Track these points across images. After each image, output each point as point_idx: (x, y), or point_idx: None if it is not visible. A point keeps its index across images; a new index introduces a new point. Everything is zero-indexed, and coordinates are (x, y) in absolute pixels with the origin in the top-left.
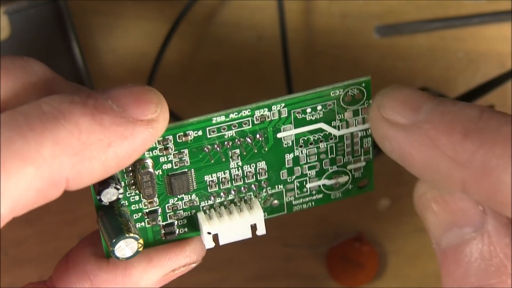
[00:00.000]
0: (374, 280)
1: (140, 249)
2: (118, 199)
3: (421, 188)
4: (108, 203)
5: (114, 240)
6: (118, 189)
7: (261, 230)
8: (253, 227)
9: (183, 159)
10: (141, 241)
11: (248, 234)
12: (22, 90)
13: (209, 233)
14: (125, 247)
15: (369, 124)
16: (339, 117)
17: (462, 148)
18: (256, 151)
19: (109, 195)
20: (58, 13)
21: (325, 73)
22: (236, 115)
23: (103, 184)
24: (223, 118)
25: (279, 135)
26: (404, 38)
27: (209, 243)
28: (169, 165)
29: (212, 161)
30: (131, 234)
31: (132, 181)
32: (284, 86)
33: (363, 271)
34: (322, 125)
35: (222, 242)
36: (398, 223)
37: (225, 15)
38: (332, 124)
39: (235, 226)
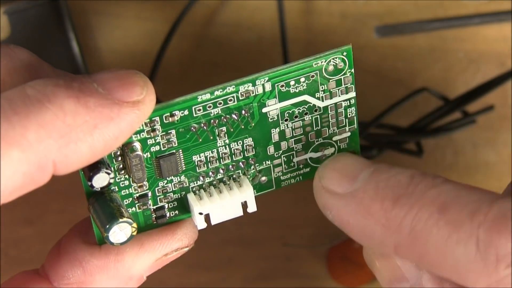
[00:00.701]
0: (374, 280)
1: (134, 233)
2: (109, 184)
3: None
4: (99, 189)
5: (107, 226)
6: (109, 173)
7: (252, 207)
8: (244, 205)
9: (170, 140)
10: (134, 225)
11: (240, 212)
12: (8, 77)
13: (200, 213)
14: (119, 232)
15: (314, 192)
16: (322, 88)
17: (392, 215)
18: (243, 127)
19: (100, 180)
20: (58, 13)
21: None
22: (221, 92)
23: (94, 170)
24: (208, 96)
25: (264, 110)
26: (404, 38)
27: (201, 224)
28: (157, 147)
29: (200, 140)
30: (125, 219)
31: (121, 166)
32: None
33: (363, 271)
34: (306, 97)
35: (214, 221)
36: None
37: (225, 15)
38: (316, 96)
39: (226, 204)
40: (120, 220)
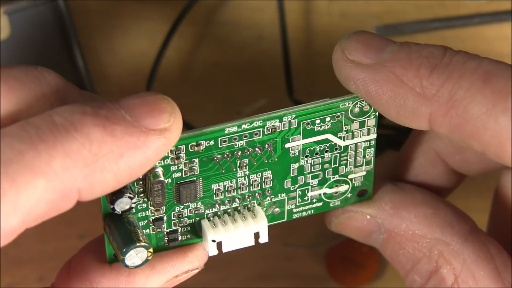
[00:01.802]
0: (374, 280)
1: (150, 258)
2: (131, 208)
3: (330, 217)
4: (120, 212)
5: (124, 250)
6: (131, 198)
7: (264, 238)
8: (256, 235)
9: (193, 168)
10: (151, 249)
11: (251, 242)
12: (35, 101)
13: (213, 240)
14: (135, 256)
15: (333, 65)
16: (345, 128)
17: (429, 82)
18: (266, 161)
19: (122, 204)
20: (58, 13)
21: (325, 73)
22: (248, 125)
23: (117, 194)
24: (235, 128)
25: (287, 145)
26: (404, 38)
27: (213, 251)
28: (179, 174)
29: (223, 171)
30: (142, 243)
31: (141, 189)
32: (284, 86)
33: (363, 271)
34: (329, 136)
35: (225, 249)
36: None
37: (225, 15)
38: (339, 135)
39: (239, 234)
40: (138, 244)
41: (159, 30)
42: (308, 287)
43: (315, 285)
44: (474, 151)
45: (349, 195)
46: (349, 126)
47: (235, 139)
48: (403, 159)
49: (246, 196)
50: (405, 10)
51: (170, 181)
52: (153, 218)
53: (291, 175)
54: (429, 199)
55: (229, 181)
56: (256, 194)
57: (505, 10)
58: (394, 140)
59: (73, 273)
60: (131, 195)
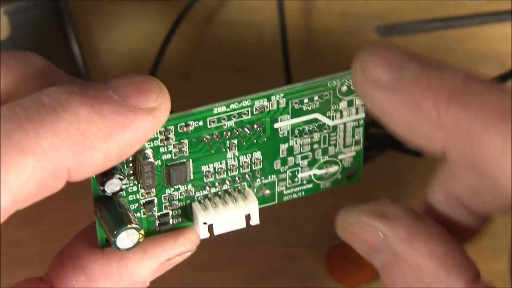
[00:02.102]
0: (374, 280)
1: (141, 240)
2: (121, 190)
3: (339, 224)
4: (110, 194)
5: (115, 232)
6: (122, 179)
7: (255, 220)
8: (247, 217)
9: (182, 149)
10: (142, 231)
11: (242, 224)
12: (23, 84)
13: (204, 223)
14: (127, 238)
15: (351, 75)
16: (334, 107)
17: (446, 111)
18: (255, 141)
19: (112, 185)
20: (58, 13)
21: (325, 73)
22: (236, 105)
23: (107, 175)
24: (224, 108)
25: (276, 125)
26: (404, 38)
27: (204, 233)
28: (169, 156)
29: (212, 152)
30: (133, 225)
31: (132, 172)
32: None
33: (363, 271)
34: (317, 115)
35: (216, 232)
36: None
37: (225, 15)
38: (327, 115)
39: (230, 216)
40: (129, 226)
41: (159, 30)
42: (308, 287)
43: (315, 285)
44: (485, 181)
45: (339, 176)
46: (337, 105)
47: (223, 119)
48: (428, 208)
49: (236, 178)
50: (405, 10)
51: (160, 163)
52: (144, 201)
53: (281, 156)
54: (445, 238)
55: (219, 163)
56: (246, 175)
57: (505, 10)
58: (394, 140)
59: (66, 260)
60: (121, 176)
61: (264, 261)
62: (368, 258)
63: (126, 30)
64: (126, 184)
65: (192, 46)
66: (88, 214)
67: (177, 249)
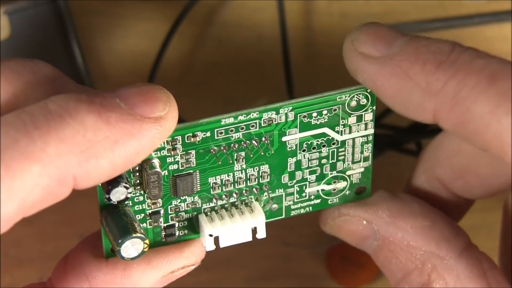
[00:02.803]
0: (374, 280)
1: (146, 250)
2: (126, 198)
3: (322, 220)
4: (116, 202)
5: (120, 240)
6: (127, 188)
7: (261, 234)
8: (253, 230)
9: (189, 160)
10: (147, 241)
11: (249, 237)
12: (32, 91)
13: (210, 235)
14: (131, 247)
15: (343, 56)
16: (343, 122)
17: (434, 78)
18: (262, 154)
19: (118, 194)
20: (58, 13)
21: (325, 73)
22: (244, 117)
23: (113, 183)
24: (231, 119)
25: (284, 139)
26: None
27: (210, 246)
28: (175, 166)
29: (219, 163)
30: (138, 234)
31: (138, 181)
32: (284, 86)
33: (363, 271)
34: (325, 130)
35: (222, 244)
36: None
37: (225, 15)
38: (336, 129)
39: (236, 229)
40: (134, 235)
41: (159, 30)
42: (308, 287)
43: (315, 285)
44: (476, 147)
45: (347, 192)
46: (346, 120)
47: (231, 130)
48: (410, 190)
49: (244, 191)
50: (405, 10)
51: (166, 174)
52: (150, 211)
53: (289, 169)
54: (427, 211)
55: (226, 175)
56: (254, 189)
57: (505, 10)
58: (394, 140)
59: (69, 268)
60: (127, 185)
61: (264, 261)
62: (359, 246)
63: (126, 31)
64: (131, 193)
65: (192, 46)
66: (88, 214)
67: (182, 262)
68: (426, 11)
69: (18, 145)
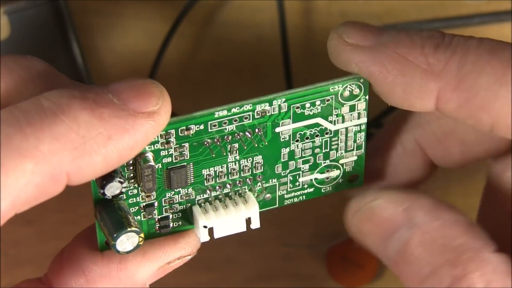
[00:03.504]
0: (374, 280)
1: (141, 243)
2: (121, 193)
3: (352, 208)
4: (110, 197)
5: (115, 235)
6: (122, 182)
7: (256, 224)
8: (248, 221)
9: (183, 153)
10: (142, 235)
11: (243, 228)
12: (25, 88)
13: (205, 226)
14: (126, 241)
15: (330, 51)
16: (336, 112)
17: (435, 58)
18: (256, 145)
19: (113, 188)
20: (58, 13)
21: (325, 73)
22: (238, 109)
23: (107, 178)
24: (225, 112)
25: (277, 130)
26: None
27: (204, 237)
28: (169, 159)
29: (213, 155)
30: (133, 228)
31: (132, 175)
32: (284, 86)
33: (363, 271)
34: (319, 120)
35: (217, 235)
36: None
37: (225, 15)
38: (329, 119)
39: (230, 219)
40: (128, 229)
41: (159, 30)
42: (308, 287)
43: (315, 285)
44: (480, 127)
45: (340, 181)
46: (339, 110)
47: (225, 123)
48: (378, 148)
49: (237, 182)
50: (405, 10)
51: (160, 167)
52: (144, 204)
53: (282, 160)
54: (461, 211)
55: (220, 166)
56: (247, 179)
57: (505, 10)
58: None
59: (65, 262)
60: (121, 180)
61: (264, 261)
62: (382, 245)
63: (126, 30)
64: (126, 187)
65: (192, 46)
66: (88, 214)
67: (177, 253)
68: (426, 11)
69: (11, 142)
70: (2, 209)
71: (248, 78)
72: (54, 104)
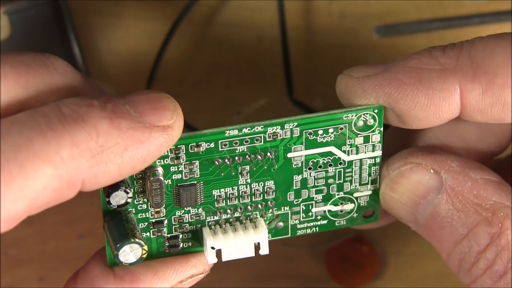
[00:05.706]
0: (374, 280)
1: (144, 256)
2: (126, 203)
3: (388, 168)
4: (116, 207)
5: (118, 245)
6: (127, 192)
7: (264, 250)
8: (256, 246)
9: (193, 170)
10: (145, 247)
11: (251, 253)
12: (43, 86)
13: (212, 248)
14: (130, 252)
15: (342, 94)
16: (349, 142)
17: (446, 57)
18: (266, 168)
19: (118, 198)
20: (58, 13)
21: (325, 73)
22: (249, 130)
23: (113, 187)
24: (236, 132)
25: (289, 155)
26: (404, 38)
27: (212, 258)
28: (179, 175)
29: (222, 175)
30: (136, 240)
31: (141, 189)
32: (284, 86)
33: (363, 271)
34: (332, 149)
35: (224, 258)
36: (398, 223)
37: (225, 15)
38: (342, 149)
39: (239, 243)
40: (132, 240)
41: (159, 30)
42: (308, 287)
43: (315, 285)
44: (508, 108)
45: (355, 215)
46: (353, 140)
47: (236, 143)
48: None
49: (249, 206)
50: (405, 10)
51: (170, 183)
52: (153, 220)
53: (294, 187)
54: (493, 173)
55: (231, 188)
56: (259, 204)
57: (505, 10)
58: None
59: (79, 282)
60: (127, 190)
61: (264, 261)
62: (412, 210)
63: (126, 30)
64: (131, 198)
65: (192, 46)
66: (88, 214)
67: (189, 271)
68: (426, 11)
69: (33, 145)
70: (19, 210)
71: (248, 78)
72: (74, 111)
